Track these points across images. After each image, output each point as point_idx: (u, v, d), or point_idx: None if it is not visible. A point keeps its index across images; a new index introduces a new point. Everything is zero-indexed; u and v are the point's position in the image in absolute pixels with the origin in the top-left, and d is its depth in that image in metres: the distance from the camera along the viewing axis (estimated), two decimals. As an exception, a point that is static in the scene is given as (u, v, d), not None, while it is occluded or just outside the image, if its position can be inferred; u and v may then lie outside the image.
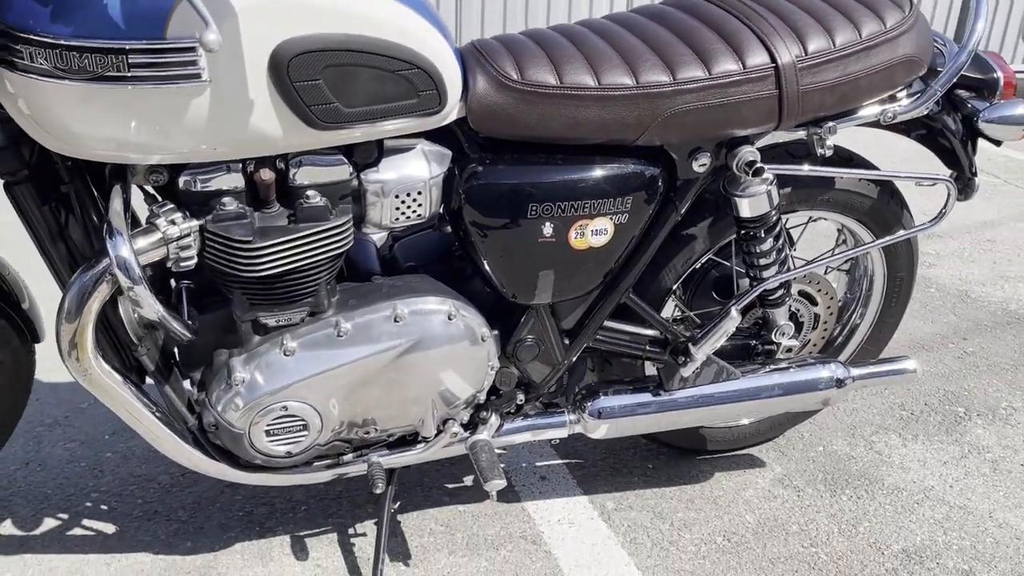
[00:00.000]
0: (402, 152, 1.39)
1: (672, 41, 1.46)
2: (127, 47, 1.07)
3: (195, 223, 1.27)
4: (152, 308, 1.22)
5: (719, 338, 1.61)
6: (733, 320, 1.60)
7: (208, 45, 1.00)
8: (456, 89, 1.34)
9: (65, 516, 1.80)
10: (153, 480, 1.92)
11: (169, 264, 1.28)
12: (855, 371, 1.78)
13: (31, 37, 1.07)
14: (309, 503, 1.87)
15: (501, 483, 1.54)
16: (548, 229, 1.44)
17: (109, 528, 1.78)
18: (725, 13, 1.51)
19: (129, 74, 1.09)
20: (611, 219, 1.47)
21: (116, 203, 1.21)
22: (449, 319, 1.47)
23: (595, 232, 1.47)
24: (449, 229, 1.54)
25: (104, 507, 1.84)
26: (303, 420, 1.43)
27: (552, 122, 1.40)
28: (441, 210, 1.46)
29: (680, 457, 2.07)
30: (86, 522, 1.79)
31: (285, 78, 1.17)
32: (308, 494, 1.89)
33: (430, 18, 1.31)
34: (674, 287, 1.71)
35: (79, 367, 1.28)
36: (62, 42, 1.06)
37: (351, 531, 1.80)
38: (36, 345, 1.58)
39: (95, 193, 1.32)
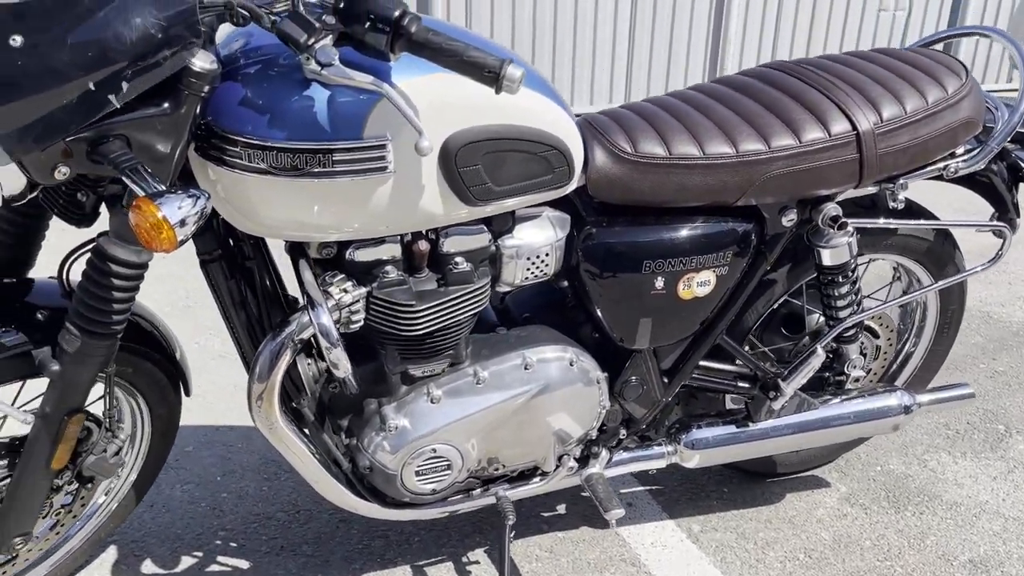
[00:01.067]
0: (531, 219, 1.57)
1: (761, 112, 1.65)
2: (332, 147, 1.25)
3: (364, 290, 1.43)
4: (345, 368, 1.39)
5: (806, 374, 1.79)
6: (819, 358, 1.78)
7: (422, 151, 1.18)
8: (580, 163, 1.51)
9: (200, 554, 1.95)
10: (272, 518, 2.07)
11: (338, 327, 1.44)
12: (920, 398, 1.97)
13: (248, 140, 1.24)
14: (420, 535, 2.02)
15: (620, 512, 1.70)
16: (659, 283, 1.62)
17: (243, 564, 1.93)
18: (803, 84, 1.70)
19: (330, 169, 1.26)
20: (713, 271, 1.65)
21: (308, 276, 1.38)
22: (570, 365, 1.64)
23: (700, 284, 1.65)
24: (563, 283, 1.71)
25: (233, 544, 1.98)
26: (448, 460, 1.59)
27: (663, 188, 1.58)
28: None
29: (751, 480, 2.24)
30: (220, 559, 1.94)
31: (452, 165, 1.35)
32: (417, 527, 2.05)
33: (559, 101, 1.49)
34: (755, 326, 1.89)
35: (266, 421, 1.44)
36: (277, 145, 1.23)
37: (464, 559, 1.95)
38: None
39: (271, 266, 1.48)
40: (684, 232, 1.62)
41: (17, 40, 1.02)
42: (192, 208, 1.12)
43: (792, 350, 1.97)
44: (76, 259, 1.40)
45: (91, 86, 1.07)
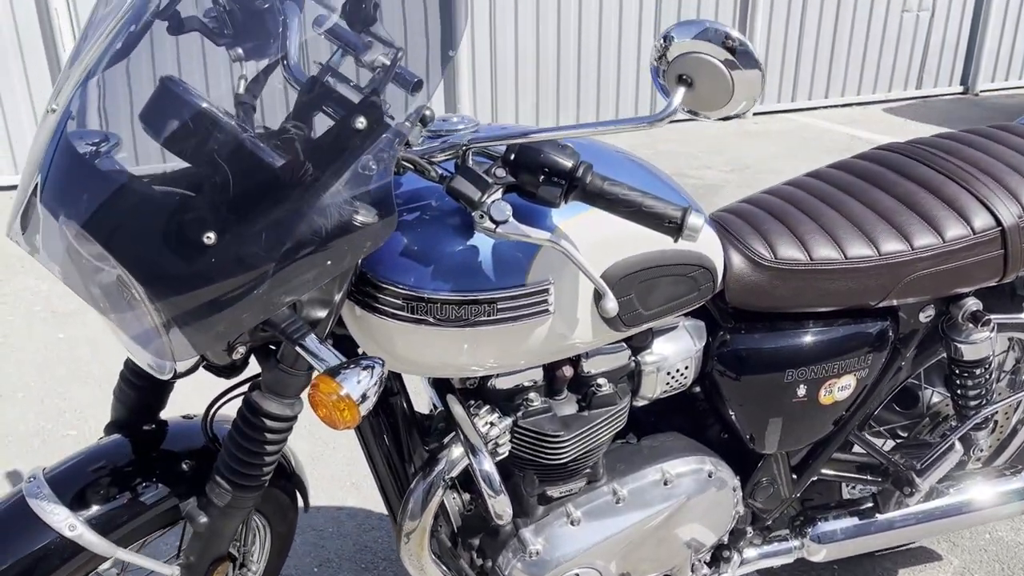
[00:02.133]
0: (669, 331, 1.52)
1: (898, 208, 1.59)
2: (497, 296, 1.20)
3: (509, 421, 1.39)
4: (508, 514, 1.34)
5: (944, 469, 1.73)
6: (957, 453, 1.72)
7: (607, 313, 1.13)
8: (722, 274, 1.46)
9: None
10: (380, 616, 2.03)
11: (484, 459, 1.39)
12: (1049, 479, 1.91)
13: (409, 292, 1.19)
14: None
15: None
16: (801, 390, 1.57)
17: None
18: (936, 173, 1.64)
19: (493, 317, 1.21)
20: (854, 375, 1.60)
21: (460, 412, 1.34)
22: (709, 477, 1.59)
23: (840, 388, 1.60)
24: (694, 387, 1.66)
25: (346, 649, 1.94)
26: (589, 582, 1.54)
27: (803, 294, 1.52)
28: (694, 374, 1.59)
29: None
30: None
31: (608, 298, 1.30)
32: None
33: (703, 214, 1.44)
34: (877, 410, 1.84)
35: (415, 558, 1.40)
36: (441, 297, 1.19)
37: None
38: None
39: (409, 401, 1.44)
40: (825, 337, 1.57)
41: (211, 238, 0.97)
42: (371, 380, 1.07)
43: (911, 429, 1.92)
44: (221, 406, 1.35)
45: (282, 281, 1.03)
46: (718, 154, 5.74)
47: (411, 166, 1.15)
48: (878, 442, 1.83)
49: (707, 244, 1.40)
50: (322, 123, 1.16)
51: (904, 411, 1.93)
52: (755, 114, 6.68)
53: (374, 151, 1.04)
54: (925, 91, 7.66)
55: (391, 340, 1.25)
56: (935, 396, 1.94)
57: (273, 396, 1.22)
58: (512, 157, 1.13)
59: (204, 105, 1.03)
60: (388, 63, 1.23)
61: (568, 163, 1.11)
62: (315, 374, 1.08)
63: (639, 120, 1.07)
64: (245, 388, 1.28)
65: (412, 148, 1.17)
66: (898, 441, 1.95)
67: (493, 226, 1.12)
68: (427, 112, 1.21)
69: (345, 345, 1.35)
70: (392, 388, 1.41)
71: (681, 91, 1.06)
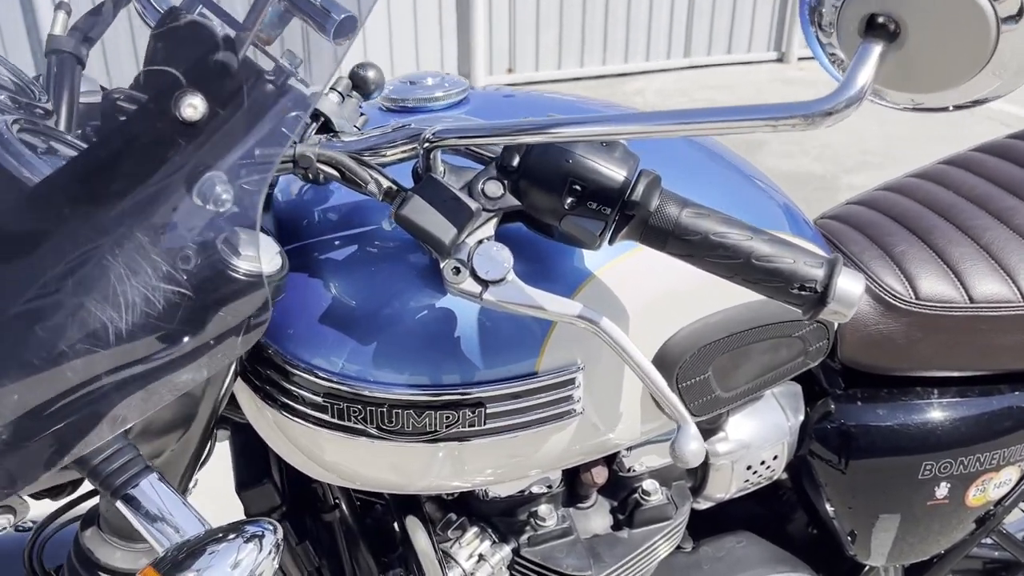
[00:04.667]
0: (751, 404, 1.02)
1: (1097, 220, 1.07)
2: (486, 395, 0.69)
3: (507, 551, 0.90)
4: None
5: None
6: None
7: (687, 458, 0.62)
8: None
9: None
10: None
11: (469, 605, 0.91)
12: None
13: (336, 386, 0.69)
14: None
15: None
16: (942, 489, 1.07)
17: None
18: None
19: (483, 427, 0.71)
20: (1019, 466, 1.09)
21: (427, 547, 0.84)
22: (799, 601, 1.10)
23: (998, 485, 1.09)
24: (776, 469, 1.17)
25: None
26: None
27: (957, 351, 1.02)
28: (780, 457, 1.09)
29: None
30: None
31: (672, 382, 0.79)
32: None
33: (822, 243, 0.93)
34: None
35: None
36: (391, 395, 0.69)
37: None
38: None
39: (357, 515, 0.95)
40: (984, 414, 1.06)
41: None
42: (257, 559, 0.58)
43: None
44: (50, 536, 0.87)
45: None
46: (760, 103, 5.14)
47: (336, 172, 0.64)
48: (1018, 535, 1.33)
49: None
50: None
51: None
52: (799, 59, 6.03)
53: (253, 141, 0.53)
54: None
55: (314, 446, 0.76)
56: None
57: (113, 538, 0.74)
58: (517, 162, 0.61)
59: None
60: None
61: (619, 175, 0.60)
62: (141, 566, 0.59)
63: (784, 112, 0.54)
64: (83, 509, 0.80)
65: (340, 139, 0.66)
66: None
67: (478, 289, 0.61)
68: (368, 73, 0.70)
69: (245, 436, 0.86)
70: (328, 501, 0.91)
71: (876, 50, 0.52)
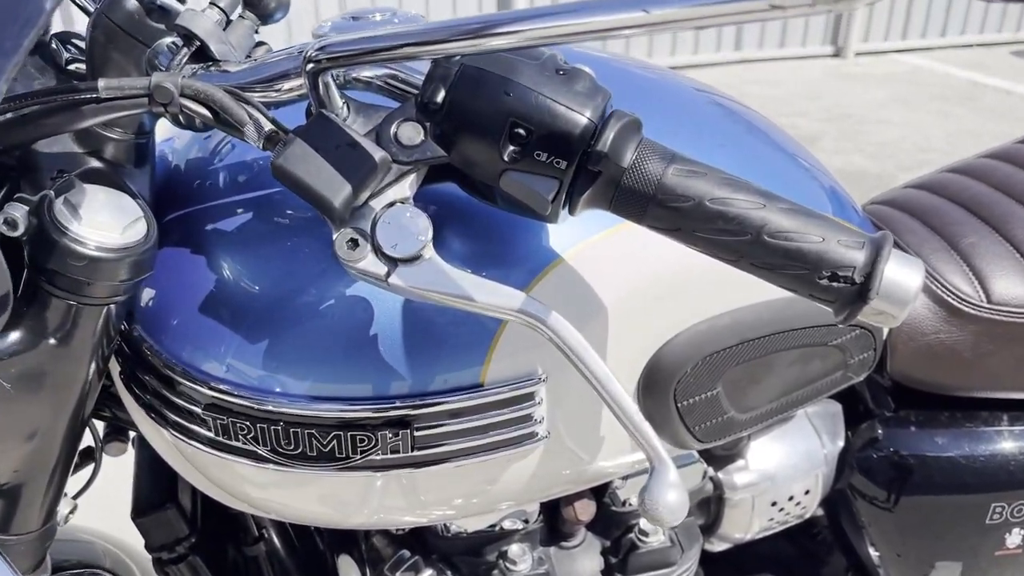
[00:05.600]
0: (777, 426, 0.83)
1: None
2: (411, 414, 0.53)
3: (467, 599, 0.73)
4: None
5: None
6: None
7: (656, 513, 0.45)
8: (883, 329, 0.78)
9: None
10: None
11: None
12: None
13: (225, 398, 0.53)
14: None
15: None
16: (1015, 538, 0.87)
17: None
18: None
19: (409, 454, 0.55)
20: (1111, 510, 0.89)
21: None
22: (831, 664, 0.92)
23: (1083, 532, 0.90)
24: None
25: None
26: None
27: (1036, 369, 0.82)
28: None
29: None
30: None
31: (668, 401, 0.62)
32: None
33: (865, 221, 0.75)
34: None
35: None
36: (288, 411, 0.52)
37: None
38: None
39: (291, 547, 0.79)
40: (1068, 446, 0.86)
41: None
42: None
43: None
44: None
45: None
46: (813, 99, 4.89)
47: (208, 112, 0.48)
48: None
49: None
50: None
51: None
52: (857, 54, 5.76)
53: None
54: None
55: (218, 470, 0.60)
56: None
57: None
58: (442, 95, 0.45)
59: None
60: None
61: (580, 116, 0.43)
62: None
63: None
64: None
65: (220, 68, 0.50)
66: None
67: (383, 269, 0.45)
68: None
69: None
70: (251, 531, 0.75)
71: None
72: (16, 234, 0.47)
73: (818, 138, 4.28)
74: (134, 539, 0.91)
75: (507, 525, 0.75)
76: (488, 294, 0.45)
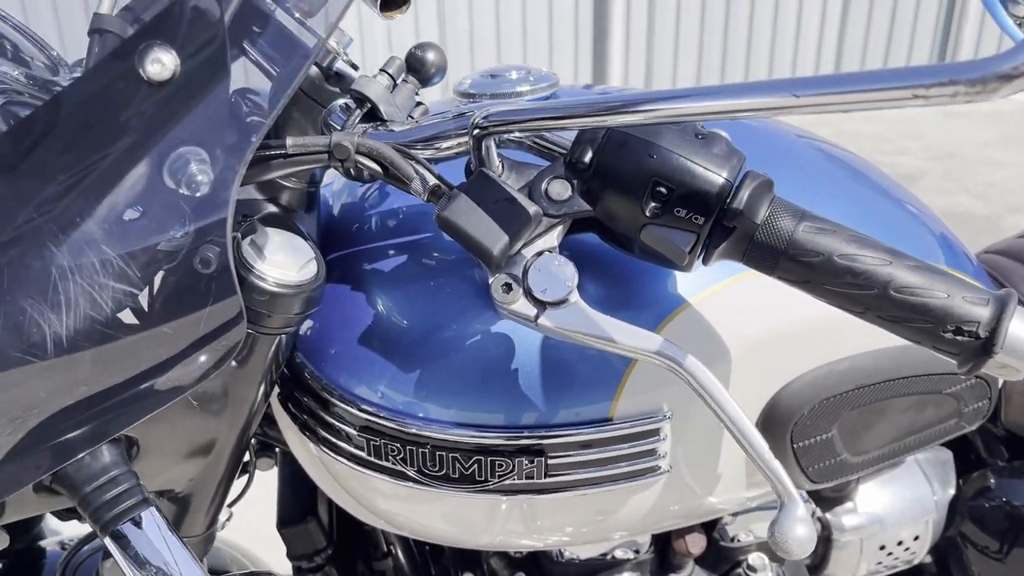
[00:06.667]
0: (887, 470, 0.85)
1: None
2: (547, 441, 0.58)
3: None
4: None
5: None
6: None
7: (786, 547, 0.48)
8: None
9: None
10: None
11: None
12: None
13: (372, 419, 0.59)
14: None
15: None
16: None
17: None
18: None
19: (543, 480, 0.59)
20: None
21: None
22: None
23: None
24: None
25: None
26: None
27: None
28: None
29: None
30: None
31: (784, 443, 0.65)
32: None
33: (981, 274, 0.76)
34: None
35: None
36: (434, 434, 0.58)
37: None
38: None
39: (415, 564, 0.84)
40: None
41: None
42: None
43: None
44: (82, 562, 0.81)
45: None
46: (916, 138, 4.77)
47: (378, 167, 0.54)
48: None
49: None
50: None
51: None
52: (963, 90, 5.58)
53: (230, 111, 0.45)
54: None
55: (360, 487, 0.66)
56: None
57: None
58: (590, 157, 0.50)
59: None
60: None
61: (718, 176, 0.48)
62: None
63: (941, 75, 0.38)
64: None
65: (387, 129, 0.56)
66: None
67: (533, 311, 0.50)
68: (427, 54, 0.60)
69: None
70: (380, 547, 0.81)
71: None
72: (209, 271, 0.54)
73: (920, 177, 4.18)
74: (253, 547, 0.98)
75: (619, 554, 0.78)
76: (628, 336, 0.49)
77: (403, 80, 0.58)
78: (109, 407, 0.43)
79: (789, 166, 0.69)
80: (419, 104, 0.60)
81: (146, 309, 0.42)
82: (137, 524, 0.52)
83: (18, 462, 0.43)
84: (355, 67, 0.59)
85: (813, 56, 5.58)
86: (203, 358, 0.45)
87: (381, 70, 0.57)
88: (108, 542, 0.52)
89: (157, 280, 0.41)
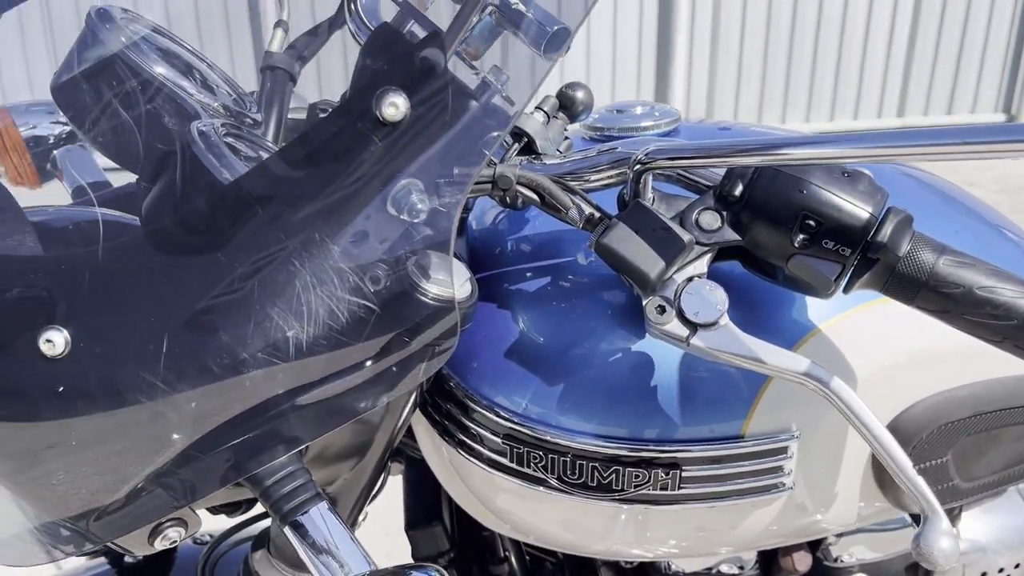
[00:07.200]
0: (989, 499, 0.86)
1: None
2: (682, 455, 0.61)
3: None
4: None
5: None
6: None
7: (933, 559, 0.52)
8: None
9: None
10: None
11: None
12: None
13: (517, 428, 0.63)
14: None
15: None
16: None
17: None
18: None
19: (675, 492, 0.63)
20: None
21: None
22: None
23: None
24: None
25: None
26: None
27: None
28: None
29: None
30: None
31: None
32: None
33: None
34: None
35: None
36: (575, 444, 0.62)
37: None
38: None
39: (527, 571, 0.88)
40: None
41: (56, 342, 0.46)
42: None
43: None
44: (222, 555, 0.87)
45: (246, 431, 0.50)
46: (986, 169, 4.71)
47: (536, 196, 0.59)
48: None
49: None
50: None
51: None
52: (1033, 120, 5.50)
53: (451, 153, 0.50)
54: None
55: (489, 490, 0.71)
56: None
57: (281, 564, 0.71)
58: (741, 190, 0.54)
59: (131, 57, 0.53)
60: None
61: (863, 211, 0.52)
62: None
63: None
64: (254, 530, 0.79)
65: (542, 161, 0.61)
66: None
67: (685, 332, 0.54)
68: (577, 93, 0.65)
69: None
70: (498, 552, 0.86)
71: None
72: (376, 288, 0.59)
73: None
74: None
75: (724, 569, 0.82)
76: (776, 357, 0.53)
77: (555, 116, 0.63)
78: (321, 409, 0.49)
79: (911, 204, 0.73)
80: (566, 139, 0.65)
81: (369, 321, 0.47)
82: (311, 516, 0.57)
83: (243, 452, 0.48)
84: (510, 102, 0.64)
85: (879, 83, 5.54)
86: (416, 368, 0.50)
87: (537, 107, 0.62)
88: (288, 531, 0.57)
89: (383, 294, 0.47)
